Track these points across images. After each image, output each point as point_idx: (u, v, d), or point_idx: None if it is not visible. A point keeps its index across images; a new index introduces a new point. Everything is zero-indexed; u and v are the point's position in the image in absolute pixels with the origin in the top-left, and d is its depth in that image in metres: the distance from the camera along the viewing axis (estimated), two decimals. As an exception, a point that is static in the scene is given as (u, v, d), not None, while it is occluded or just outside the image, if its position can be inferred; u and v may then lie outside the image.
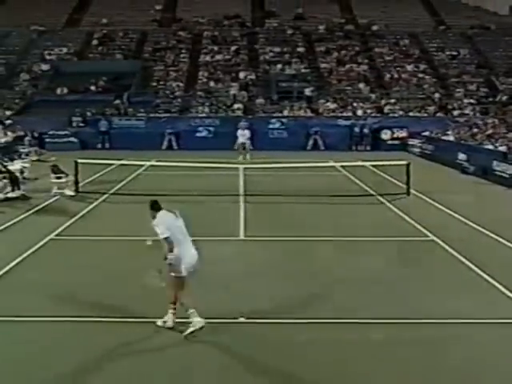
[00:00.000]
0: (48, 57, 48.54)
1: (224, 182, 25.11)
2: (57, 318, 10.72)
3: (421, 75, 46.48)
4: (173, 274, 9.99)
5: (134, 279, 12.78)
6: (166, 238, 9.78)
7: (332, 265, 14.01)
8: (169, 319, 10.27)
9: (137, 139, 37.88)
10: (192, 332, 9.91)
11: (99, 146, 39.62)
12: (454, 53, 48.89)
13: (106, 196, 22.68)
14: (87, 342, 9.87)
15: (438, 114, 42.20)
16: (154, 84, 45.82)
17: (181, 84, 45.68)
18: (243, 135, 36.03)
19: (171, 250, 9.80)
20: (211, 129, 40.37)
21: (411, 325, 10.52)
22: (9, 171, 23.41)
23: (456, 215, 19.12)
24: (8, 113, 41.25)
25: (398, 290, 12.27)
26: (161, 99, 43.93)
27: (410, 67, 47.15)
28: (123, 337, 10.02)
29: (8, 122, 38.69)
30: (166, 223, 9.97)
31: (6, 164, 24.92)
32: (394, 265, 14.04)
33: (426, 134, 37.89)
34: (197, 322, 9.95)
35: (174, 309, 10.25)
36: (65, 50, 49.50)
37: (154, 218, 10.14)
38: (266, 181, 25.25)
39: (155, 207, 10.33)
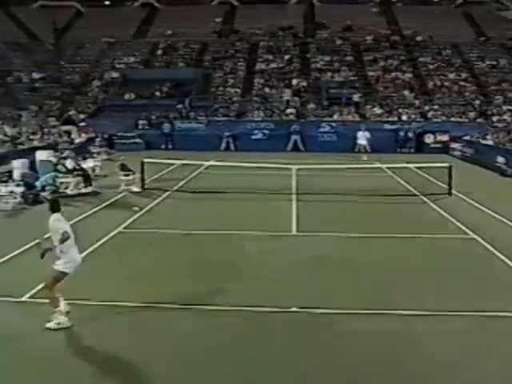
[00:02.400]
0: (117, 65, 49.22)
1: (278, 181, 25.07)
2: (120, 303, 10.86)
3: (462, 83, 45.78)
4: (58, 268, 9.78)
5: (197, 269, 12.90)
6: (65, 232, 9.67)
7: (379, 259, 13.88)
8: (62, 306, 9.96)
9: (197, 141, 38.09)
10: (57, 325, 9.74)
11: (163, 146, 39.90)
12: (494, 62, 48.00)
13: (169, 192, 22.84)
14: (151, 327, 9.97)
15: (478, 120, 41.47)
16: (214, 90, 46.01)
17: (238, 90, 45.79)
18: (362, 137, 36.65)
19: (62, 242, 9.65)
20: (266, 132, 40.30)
21: (452, 317, 10.35)
22: (82, 169, 23.80)
23: (495, 215, 18.73)
24: (82, 116, 41.96)
25: (440, 284, 12.10)
26: (219, 104, 44.08)
27: (451, 75, 46.48)
28: (179, 322, 10.10)
29: (82, 124, 39.36)
30: (63, 222, 9.94)
31: (79, 162, 25.33)
32: (436, 260, 13.83)
33: (467, 138, 37.26)
34: (64, 320, 9.81)
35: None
36: (132, 59, 50.14)
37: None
38: (316, 181, 25.13)
39: (54, 208, 10.15)
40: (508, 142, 33.35)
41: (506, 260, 13.73)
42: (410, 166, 27.74)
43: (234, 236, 16.06)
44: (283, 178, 25.74)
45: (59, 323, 9.75)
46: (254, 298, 11.07)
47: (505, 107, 42.65)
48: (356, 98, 43.61)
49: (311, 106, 43.55)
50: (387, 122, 40.97)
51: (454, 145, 38.35)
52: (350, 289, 11.80)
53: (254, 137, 40.08)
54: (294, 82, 46.07)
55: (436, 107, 42.85)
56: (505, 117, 41.47)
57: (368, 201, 21.25)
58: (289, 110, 42.74)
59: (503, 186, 25.84)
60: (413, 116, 41.97)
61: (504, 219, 18.12)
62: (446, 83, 45.63)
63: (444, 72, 46.98)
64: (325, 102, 43.98)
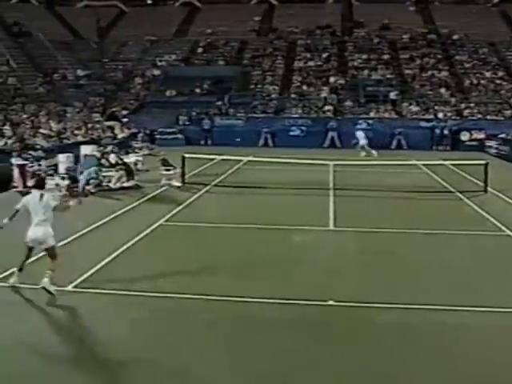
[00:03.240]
0: (159, 63, 49.48)
1: (315, 176, 24.99)
2: (161, 294, 10.91)
3: (498, 81, 45.09)
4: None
5: (236, 262, 12.95)
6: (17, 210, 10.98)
7: (415, 254, 13.77)
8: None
9: (236, 137, 38.19)
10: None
11: (202, 142, 40.03)
12: (532, 60, 47.24)
13: (209, 187, 22.92)
14: (193, 317, 10.03)
15: (515, 118, 40.95)
16: (252, 87, 46.01)
17: (276, 87, 45.73)
18: (362, 136, 35.60)
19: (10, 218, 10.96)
20: (303, 128, 40.18)
21: (488, 313, 10.22)
22: (125, 163, 23.99)
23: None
24: (124, 112, 42.32)
25: (475, 280, 11.95)
26: (258, 101, 44.07)
27: (488, 74, 45.80)
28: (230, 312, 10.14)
29: (125, 120, 39.70)
30: (25, 200, 11.05)
31: (122, 157, 25.55)
32: (472, 257, 13.70)
33: (503, 135, 36.68)
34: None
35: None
36: (174, 56, 50.36)
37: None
38: (353, 177, 25.01)
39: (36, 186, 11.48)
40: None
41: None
42: (446, 163, 27.45)
43: (271, 230, 16.06)
44: (320, 173, 25.64)
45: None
46: (291, 292, 11.06)
47: (541, 105, 42.00)
48: (393, 95, 43.24)
49: (348, 103, 43.32)
50: (423, 119, 40.61)
51: (489, 143, 37.81)
52: (384, 283, 11.71)
53: (291, 133, 39.98)
54: (332, 79, 45.86)
55: (472, 105, 42.30)
56: (541, 115, 40.85)
57: (404, 197, 21.07)
58: (326, 107, 42.58)
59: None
60: (449, 114, 41.50)
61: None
62: (482, 81, 45.00)
63: (480, 70, 46.32)
64: (362, 99, 43.72)
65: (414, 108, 42.08)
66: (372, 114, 41.60)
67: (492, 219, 17.45)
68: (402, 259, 13.37)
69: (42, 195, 11.07)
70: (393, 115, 41.69)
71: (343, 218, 17.47)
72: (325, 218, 17.37)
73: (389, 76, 45.77)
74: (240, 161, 28.83)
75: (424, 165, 27.99)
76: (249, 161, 28.38)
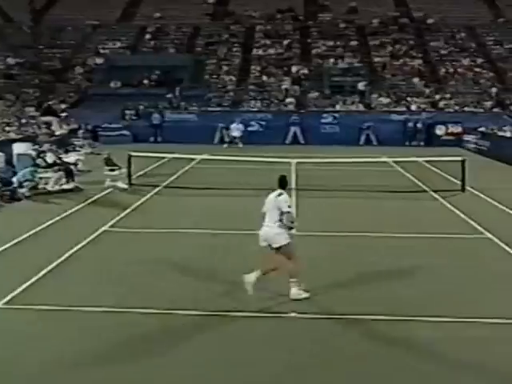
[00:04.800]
0: (102, 51, 49.23)
1: (276, 176, 24.98)
2: (105, 309, 10.83)
3: (477, 69, 45.87)
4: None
5: (187, 271, 12.92)
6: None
7: (384, 261, 13.84)
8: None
9: (189, 133, 38.15)
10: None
11: (151, 139, 40.00)
12: (513, 46, 48.04)
13: (158, 189, 22.87)
14: (140, 333, 9.98)
15: (495, 110, 41.62)
16: (206, 78, 46.11)
17: (233, 78, 45.86)
18: (235, 129, 38.75)
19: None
20: (263, 123, 40.42)
21: (465, 324, 10.36)
22: (64, 163, 23.79)
23: (513, 213, 18.83)
24: (63, 106, 41.91)
25: (453, 288, 12.10)
26: (213, 93, 44.18)
27: (465, 61, 46.55)
28: (170, 327, 10.12)
29: (63, 114, 39.32)
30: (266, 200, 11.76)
31: (61, 156, 25.31)
32: (448, 263, 13.83)
33: (482, 129, 37.29)
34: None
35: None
36: (118, 44, 50.17)
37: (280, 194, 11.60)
38: (317, 176, 25.15)
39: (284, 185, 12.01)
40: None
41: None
42: (420, 159, 27.81)
43: (227, 236, 16.08)
44: (282, 172, 25.62)
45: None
46: (243, 304, 11.08)
47: (525, 95, 42.79)
48: (361, 86, 43.68)
49: (312, 95, 43.62)
50: (395, 112, 41.16)
51: (467, 137, 38.43)
52: (359, 293, 11.78)
53: (250, 128, 40.11)
54: (294, 69, 46.15)
55: (448, 96, 42.97)
56: (525, 106, 41.61)
57: (374, 197, 21.27)
58: (288, 100, 42.85)
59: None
60: (423, 106, 42.12)
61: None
62: (459, 70, 45.72)
63: (457, 58, 47.07)
64: (327, 90, 44.08)
65: (385, 100, 42.58)
66: (338, 107, 42.01)
67: (470, 221, 17.71)
68: (371, 265, 13.46)
69: None
70: (361, 108, 42.18)
71: (306, 222, 17.44)
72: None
73: (357, 65, 46.29)
74: (193, 159, 28.82)
75: (395, 162, 28.27)
76: (203, 159, 28.35)
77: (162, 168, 27.73)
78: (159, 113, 41.02)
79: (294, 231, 11.74)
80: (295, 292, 11.24)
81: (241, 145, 37.62)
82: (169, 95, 42.93)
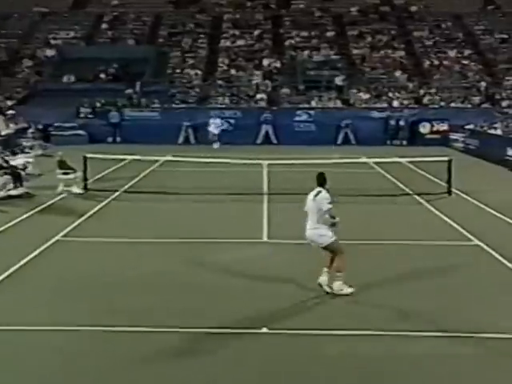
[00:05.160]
0: (53, 41, 48.86)
1: (246, 179, 25.12)
2: (58, 327, 10.80)
3: (465, 61, 46.22)
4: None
5: (146, 285, 12.91)
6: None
7: (363, 270, 13.86)
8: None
9: (151, 132, 38.05)
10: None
11: (110, 139, 39.84)
12: (504, 36, 48.40)
13: (117, 194, 22.80)
14: (99, 351, 9.97)
15: (484, 105, 41.99)
16: (170, 72, 46.05)
17: (199, 72, 45.80)
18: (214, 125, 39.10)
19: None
20: (232, 121, 40.43)
21: (452, 338, 10.45)
22: (11, 166, 23.61)
23: (504, 218, 18.99)
24: (9, 103, 41.54)
25: (438, 300, 12.23)
26: (177, 89, 44.15)
27: (452, 53, 46.90)
28: (132, 346, 10.13)
29: (10, 112, 38.89)
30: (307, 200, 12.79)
31: (7, 159, 25.13)
32: (433, 272, 13.95)
33: (470, 127, 37.60)
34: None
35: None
36: (71, 33, 49.84)
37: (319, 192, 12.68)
38: (291, 178, 25.22)
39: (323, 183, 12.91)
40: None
41: (514, 269, 13.93)
42: (402, 160, 27.99)
43: (191, 245, 16.11)
44: (252, 175, 25.83)
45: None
46: (221, 317, 11.15)
47: (517, 90, 43.16)
48: (338, 80, 43.86)
49: (285, 90, 43.73)
50: (375, 109, 41.40)
51: (454, 135, 38.74)
52: (338, 307, 11.87)
53: (210, 128, 40.08)
54: (265, 62, 46.24)
55: (433, 91, 43.25)
56: (517, 101, 41.96)
57: (352, 201, 21.32)
58: (259, 96, 42.89)
59: (513, 183, 26.19)
60: (405, 102, 42.39)
61: (513, 222, 18.43)
62: (445, 62, 46.05)
63: (443, 49, 47.42)
64: (301, 85, 44.18)
65: (364, 95, 42.78)
66: (314, 104, 42.15)
67: (457, 226, 17.92)
68: (350, 276, 13.54)
69: None
70: (338, 104, 42.35)
71: (279, 228, 17.63)
72: (258, 229, 17.55)
73: (333, 57, 46.45)
74: (156, 161, 28.81)
75: (376, 163, 28.44)
76: (167, 161, 28.35)
77: (121, 171, 27.67)
78: (118, 110, 40.84)
79: (338, 225, 12.65)
80: (339, 285, 12.23)
81: (216, 145, 37.85)
82: (128, 91, 42.78)
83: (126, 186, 24.23)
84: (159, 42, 49.26)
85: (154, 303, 11.91)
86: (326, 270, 12.38)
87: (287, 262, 14.63)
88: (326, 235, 12.34)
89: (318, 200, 12.43)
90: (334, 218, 12.49)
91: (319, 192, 12.57)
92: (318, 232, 12.41)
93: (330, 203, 12.37)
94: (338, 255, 12.35)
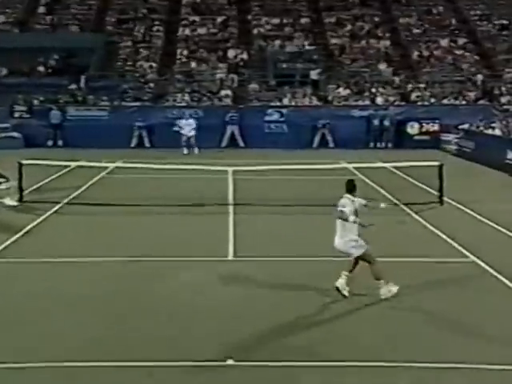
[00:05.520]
0: (-21, 28, 48.50)
1: (209, 188, 25.12)
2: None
3: (459, 52, 46.48)
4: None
5: (93, 311, 12.83)
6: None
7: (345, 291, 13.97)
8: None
9: (98, 134, 37.80)
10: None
11: (50, 142, 39.62)
12: (504, 22, 48.73)
13: (58, 206, 22.64)
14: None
15: (481, 102, 42.26)
16: (120, 64, 45.90)
17: (154, 65, 45.71)
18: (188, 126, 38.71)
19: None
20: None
21: (444, 370, 10.51)
22: None
23: (504, 230, 19.15)
24: None
25: (430, 327, 12.26)
26: (129, 84, 43.98)
27: (444, 42, 47.17)
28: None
29: None
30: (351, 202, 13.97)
31: None
32: (422, 294, 14.03)
33: (465, 127, 37.83)
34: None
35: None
36: (2, 18, 49.31)
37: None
38: (260, 187, 25.27)
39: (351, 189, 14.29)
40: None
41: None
42: (387, 165, 28.17)
43: (145, 264, 16.08)
44: (216, 183, 25.82)
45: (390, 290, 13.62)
46: (181, 346, 11.10)
47: (518, 84, 43.49)
48: (314, 74, 43.97)
49: (254, 86, 43.78)
50: (356, 106, 41.52)
51: (446, 136, 38.95)
52: (301, 334, 11.87)
53: (175, 129, 40.05)
54: (231, 53, 46.28)
55: (422, 86, 43.46)
56: (518, 97, 42.29)
57: (329, 213, 21.21)
58: (223, 92, 42.91)
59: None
60: (391, 98, 42.55)
61: (515, 235, 18.56)
62: (436, 52, 46.27)
63: (434, 37, 47.65)
64: (272, 80, 44.25)
65: (344, 91, 42.93)
66: (286, 101, 42.20)
67: (450, 240, 18.05)
68: (326, 298, 13.54)
69: None
70: (315, 102, 42.42)
71: (247, 244, 17.64)
72: (222, 245, 17.54)
73: (309, 48, 46.53)
74: (104, 168, 28.69)
75: (357, 168, 28.51)
76: (117, 168, 28.27)
77: (63, 180, 27.53)
78: (59, 109, 40.62)
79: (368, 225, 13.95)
80: (385, 291, 13.52)
81: (196, 150, 37.51)
82: (72, 86, 42.63)
83: (69, 197, 24.06)
84: (107, 29, 49.07)
85: (102, 332, 11.84)
86: (346, 273, 13.60)
87: (256, 282, 14.60)
88: (355, 247, 13.79)
89: (340, 209, 13.99)
90: (355, 222, 13.90)
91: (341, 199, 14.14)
92: (345, 242, 13.82)
93: (366, 205, 14.45)
94: (372, 263, 13.75)
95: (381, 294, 13.44)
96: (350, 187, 14.28)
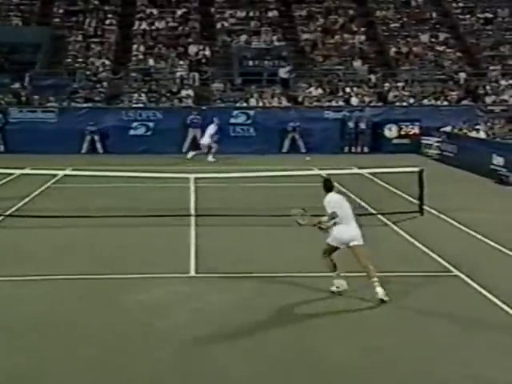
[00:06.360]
0: None
1: (168, 197, 25.10)
2: None
3: (440, 48, 46.76)
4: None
5: (42, 334, 12.73)
6: (332, 214, 14.78)
7: (317, 313, 13.92)
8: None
9: (45, 139, 37.67)
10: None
11: (-11, 148, 39.51)
12: (489, 15, 49.06)
13: (-1, 219, 22.60)
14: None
15: (465, 102, 42.51)
16: (69, 61, 45.70)
17: (107, 62, 45.61)
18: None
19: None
20: (150, 124, 40.36)
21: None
22: None
23: (489, 242, 19.24)
24: None
25: (407, 354, 12.16)
26: (79, 83, 43.79)
27: (424, 37, 47.44)
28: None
29: None
30: (332, 203, 15.00)
31: None
32: (404, 314, 14.03)
33: (447, 129, 38.05)
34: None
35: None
36: None
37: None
38: (225, 195, 25.28)
39: (327, 187, 15.39)
40: (509, 134, 34.15)
41: (506, 307, 14.03)
42: (363, 171, 28.27)
43: (96, 283, 16.01)
44: (176, 192, 25.79)
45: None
46: (125, 380, 11.01)
47: (504, 82, 43.71)
48: (283, 73, 44.06)
49: (217, 85, 43.77)
50: (329, 107, 41.60)
51: (427, 140, 39.14)
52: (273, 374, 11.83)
53: (132, 132, 40.05)
54: (192, 49, 46.25)
55: (401, 85, 43.65)
56: (504, 97, 42.49)
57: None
58: (184, 92, 42.90)
59: (500, 198, 26.50)
60: (367, 99, 42.68)
61: (501, 248, 18.64)
62: (415, 49, 46.50)
63: (413, 32, 47.88)
64: (238, 79, 44.28)
65: (316, 91, 43.02)
66: (253, 102, 42.18)
67: (431, 253, 18.11)
68: (298, 322, 13.52)
69: None
70: (284, 102, 42.47)
71: (210, 259, 17.60)
72: (183, 260, 17.50)
73: (277, 44, 46.59)
74: (52, 176, 28.50)
75: (330, 175, 28.41)
76: (66, 176, 28.11)
77: (5, 190, 27.39)
78: (0, 111, 40.44)
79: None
80: (382, 291, 14.41)
81: (211, 158, 36.98)
82: (15, 85, 42.44)
83: (12, 209, 23.91)
84: (54, 22, 48.86)
85: (40, 365, 11.64)
86: (338, 273, 15.12)
87: (219, 303, 14.55)
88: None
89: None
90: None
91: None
92: (359, 230, 15.00)
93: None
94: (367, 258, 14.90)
95: (379, 294, 14.38)
96: (331, 186, 15.44)
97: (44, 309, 14.18)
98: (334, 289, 15.04)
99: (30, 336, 12.69)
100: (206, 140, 37.35)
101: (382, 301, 14.21)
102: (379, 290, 14.35)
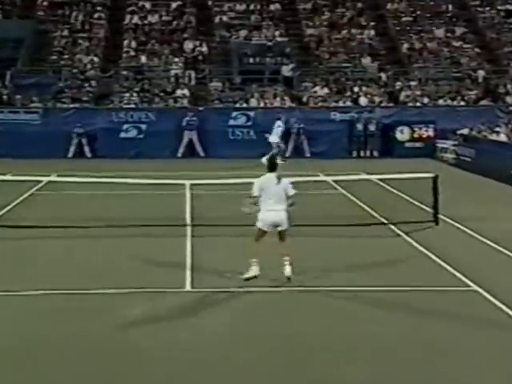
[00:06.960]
0: None
1: (162, 205, 25.09)
2: None
3: (457, 43, 46.72)
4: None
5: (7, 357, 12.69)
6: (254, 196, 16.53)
7: (324, 329, 13.89)
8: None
9: (28, 142, 37.74)
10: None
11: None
12: (510, 7, 48.99)
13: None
14: None
15: (483, 102, 42.47)
16: (55, 58, 45.73)
17: (96, 59, 45.63)
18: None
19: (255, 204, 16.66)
20: (143, 126, 40.42)
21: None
22: None
23: (509, 254, 19.20)
24: None
25: (425, 369, 12.18)
26: (65, 82, 43.83)
27: (439, 32, 47.40)
28: None
29: None
30: (260, 183, 16.56)
31: None
32: (416, 330, 13.98)
33: (464, 132, 38.04)
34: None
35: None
36: None
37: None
38: (222, 204, 25.27)
39: (270, 167, 16.91)
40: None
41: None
42: (373, 177, 28.28)
43: (83, 298, 15.95)
44: (171, 200, 25.79)
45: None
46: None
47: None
48: (286, 71, 44.08)
49: (215, 84, 43.80)
50: (336, 108, 41.60)
51: (442, 143, 39.13)
52: None
53: (123, 135, 40.07)
54: (188, 46, 46.26)
55: (414, 84, 43.64)
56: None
57: (305, 233, 21.31)
58: (179, 92, 42.91)
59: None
60: (377, 99, 42.66)
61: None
62: (430, 45, 46.47)
63: (427, 27, 47.86)
64: (237, 78, 44.30)
65: (322, 90, 43.03)
66: (254, 102, 42.18)
67: (447, 266, 18.06)
68: (302, 338, 13.47)
69: None
70: (287, 103, 42.45)
71: (205, 273, 17.58)
72: (178, 274, 17.46)
73: (280, 39, 46.60)
74: (37, 182, 28.51)
75: (337, 181, 28.55)
76: (50, 182, 28.10)
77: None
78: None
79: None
80: (290, 270, 16.40)
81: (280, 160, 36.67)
82: (-5, 84, 42.60)
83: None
84: (38, 15, 48.90)
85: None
86: (256, 261, 16.56)
87: (218, 321, 14.52)
88: (287, 219, 16.61)
89: (284, 183, 16.56)
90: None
91: (280, 176, 16.58)
92: (284, 214, 16.44)
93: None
94: (286, 240, 16.66)
95: (287, 271, 16.47)
96: (276, 165, 17.08)
97: (20, 328, 14.07)
98: (247, 275, 16.57)
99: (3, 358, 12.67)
100: (274, 138, 37.50)
101: (288, 278, 16.34)
102: (287, 269, 16.40)
